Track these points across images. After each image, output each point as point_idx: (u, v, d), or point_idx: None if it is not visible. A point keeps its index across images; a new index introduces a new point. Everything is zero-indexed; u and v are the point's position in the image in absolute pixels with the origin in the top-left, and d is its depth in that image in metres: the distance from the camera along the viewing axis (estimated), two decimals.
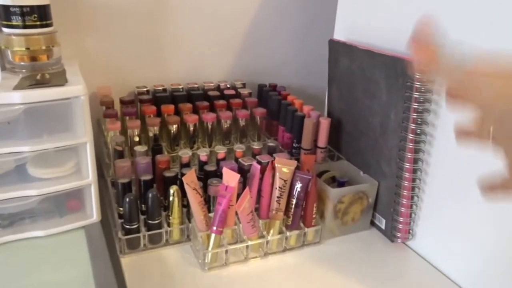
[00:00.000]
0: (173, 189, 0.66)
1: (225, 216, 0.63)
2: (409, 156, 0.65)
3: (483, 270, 0.59)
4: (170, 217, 0.68)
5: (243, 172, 0.70)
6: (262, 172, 0.68)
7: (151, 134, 0.80)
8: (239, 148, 0.76)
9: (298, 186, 0.68)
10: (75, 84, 0.61)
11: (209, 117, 0.83)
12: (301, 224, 0.70)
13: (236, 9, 0.96)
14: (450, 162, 0.62)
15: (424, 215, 0.68)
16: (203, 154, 0.73)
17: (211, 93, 0.91)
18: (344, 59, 0.79)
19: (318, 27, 1.05)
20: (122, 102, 0.85)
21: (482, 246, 0.59)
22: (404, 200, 0.68)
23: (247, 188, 0.64)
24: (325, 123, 0.81)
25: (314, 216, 0.70)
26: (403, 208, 0.68)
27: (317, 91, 1.05)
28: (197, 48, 0.95)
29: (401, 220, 0.69)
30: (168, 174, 0.69)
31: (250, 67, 1.03)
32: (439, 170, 0.64)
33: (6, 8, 0.61)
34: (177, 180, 0.69)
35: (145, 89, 0.89)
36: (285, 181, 0.67)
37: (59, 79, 0.62)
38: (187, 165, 0.73)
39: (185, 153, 0.74)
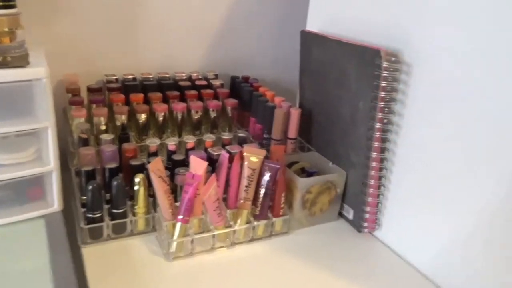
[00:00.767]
0: (138, 178, 0.64)
1: (191, 205, 0.62)
2: (376, 145, 0.66)
3: (446, 259, 0.60)
4: (136, 207, 0.66)
5: (212, 161, 0.69)
6: (231, 161, 0.67)
7: (118, 123, 0.78)
8: (208, 138, 0.75)
9: (266, 175, 0.67)
10: (37, 66, 0.59)
11: (179, 107, 0.82)
12: (269, 214, 0.70)
13: None
14: (416, 152, 0.63)
15: (391, 206, 0.69)
16: (171, 143, 0.72)
17: (182, 83, 0.90)
18: (315, 50, 0.79)
19: (293, 19, 1.05)
20: (90, 90, 0.83)
21: (445, 236, 0.60)
22: (371, 189, 0.68)
23: (213, 175, 0.63)
24: (295, 113, 0.81)
25: (282, 206, 0.70)
26: (370, 198, 0.69)
27: (291, 83, 1.05)
28: (169, 38, 0.94)
29: (368, 210, 0.70)
30: (134, 162, 0.68)
31: (224, 59, 1.02)
32: (405, 160, 0.65)
33: None
34: (144, 169, 0.67)
35: (114, 77, 0.87)
36: (253, 170, 0.67)
37: (21, 62, 0.60)
38: (155, 154, 0.72)
39: (152, 142, 0.72)
